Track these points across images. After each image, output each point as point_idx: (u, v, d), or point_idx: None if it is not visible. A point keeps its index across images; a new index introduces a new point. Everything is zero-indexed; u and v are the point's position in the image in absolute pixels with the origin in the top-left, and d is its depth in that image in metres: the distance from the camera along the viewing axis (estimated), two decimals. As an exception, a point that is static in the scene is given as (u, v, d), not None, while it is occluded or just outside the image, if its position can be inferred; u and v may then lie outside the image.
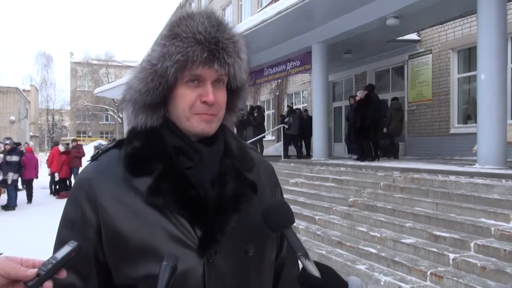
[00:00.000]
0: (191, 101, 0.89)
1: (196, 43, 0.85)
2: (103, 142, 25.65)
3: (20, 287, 0.73)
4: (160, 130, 0.93)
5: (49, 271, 0.73)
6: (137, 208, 0.87)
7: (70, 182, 14.42)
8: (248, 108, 15.80)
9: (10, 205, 11.48)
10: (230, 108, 1.00)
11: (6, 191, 11.60)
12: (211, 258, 0.86)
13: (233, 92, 0.98)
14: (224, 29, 0.90)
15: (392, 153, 11.31)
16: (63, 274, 0.75)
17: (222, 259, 0.87)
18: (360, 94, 10.37)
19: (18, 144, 14.16)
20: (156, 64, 0.88)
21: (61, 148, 14.41)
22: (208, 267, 0.86)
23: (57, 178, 14.41)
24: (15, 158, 11.66)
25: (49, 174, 14.88)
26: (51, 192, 14.78)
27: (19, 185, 13.26)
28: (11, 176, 11.40)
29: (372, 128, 9.85)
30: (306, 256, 0.83)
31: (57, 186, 14.63)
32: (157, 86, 0.88)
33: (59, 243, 0.89)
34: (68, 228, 0.90)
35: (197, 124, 0.91)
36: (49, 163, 14.45)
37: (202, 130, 0.91)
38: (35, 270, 0.73)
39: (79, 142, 17.16)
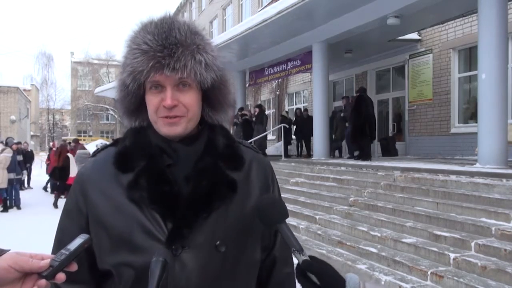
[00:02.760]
0: (155, 106, 0.95)
1: (142, 54, 0.91)
2: (104, 141, 25.63)
3: (32, 280, 0.75)
4: (147, 130, 1.01)
5: (63, 261, 0.76)
6: (118, 201, 0.94)
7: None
8: (250, 107, 15.82)
9: (16, 205, 11.53)
10: (213, 106, 1.03)
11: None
12: (177, 252, 0.90)
13: (211, 91, 0.99)
14: (174, 34, 0.92)
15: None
16: (74, 267, 0.78)
17: (189, 254, 0.91)
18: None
19: (19, 143, 14.34)
20: (121, 76, 0.98)
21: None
22: (172, 260, 0.89)
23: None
24: (21, 157, 11.97)
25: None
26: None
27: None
28: (25, 174, 11.60)
29: (367, 128, 9.85)
30: (301, 251, 0.83)
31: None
32: (125, 95, 0.98)
33: (59, 230, 1.02)
34: (66, 217, 1.02)
35: (161, 128, 0.96)
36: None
37: (166, 132, 0.96)
38: (47, 261, 0.75)
39: (79, 142, 17.11)
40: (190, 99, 0.95)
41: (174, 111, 0.94)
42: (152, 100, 0.95)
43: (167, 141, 0.98)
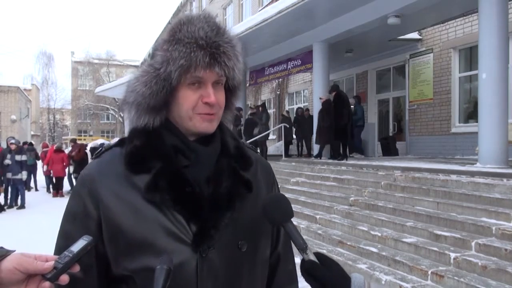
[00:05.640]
0: (194, 102, 0.93)
1: (198, 48, 0.89)
2: (104, 141, 25.61)
3: (36, 282, 0.75)
4: (160, 130, 0.97)
5: (67, 263, 0.76)
6: (135, 204, 0.91)
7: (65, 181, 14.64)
8: (253, 106, 15.83)
9: (22, 204, 11.53)
10: (227, 106, 1.03)
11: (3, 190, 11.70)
12: (204, 252, 0.90)
13: (230, 92, 1.02)
14: (223, 33, 0.93)
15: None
16: (76, 268, 0.78)
17: (215, 254, 0.91)
18: (324, 96, 10.45)
19: (25, 143, 14.71)
20: (159, 68, 0.91)
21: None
22: (201, 261, 0.90)
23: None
24: (24, 157, 11.83)
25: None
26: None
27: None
28: (24, 174, 11.57)
29: (348, 127, 9.87)
30: (304, 250, 0.84)
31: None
32: (160, 89, 0.92)
33: (61, 236, 0.95)
34: (70, 221, 0.95)
35: (199, 124, 0.95)
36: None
37: (204, 129, 0.95)
38: (52, 263, 0.75)
39: (78, 141, 17.25)
40: (223, 98, 0.97)
41: (213, 109, 0.94)
42: (191, 96, 0.93)
43: (185, 141, 0.96)
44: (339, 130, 9.87)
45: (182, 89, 0.93)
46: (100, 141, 20.44)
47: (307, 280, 0.83)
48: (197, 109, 0.94)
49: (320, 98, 10.71)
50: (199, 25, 0.91)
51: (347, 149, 10.41)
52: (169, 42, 0.92)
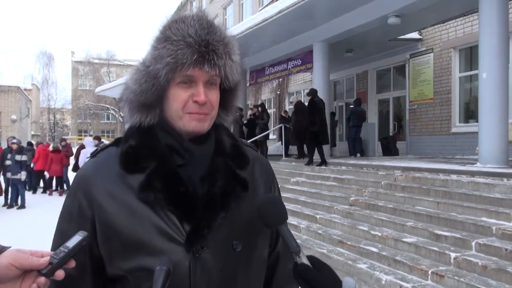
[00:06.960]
0: (184, 101, 0.93)
1: (186, 46, 0.88)
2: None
3: (32, 277, 0.75)
4: (155, 129, 0.97)
5: (62, 259, 0.76)
6: (130, 204, 0.91)
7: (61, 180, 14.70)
8: (252, 107, 15.87)
9: (22, 204, 11.51)
10: (226, 107, 1.03)
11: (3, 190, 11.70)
12: (198, 252, 0.89)
13: (228, 92, 1.01)
14: (215, 31, 0.92)
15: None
16: (72, 263, 0.78)
17: (209, 254, 0.90)
18: (294, 99, 10.52)
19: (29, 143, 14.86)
20: (149, 66, 0.92)
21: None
22: (194, 261, 0.89)
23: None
24: (24, 157, 11.82)
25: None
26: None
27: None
28: (23, 174, 11.54)
29: (320, 132, 9.85)
30: (297, 253, 0.84)
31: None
32: (150, 87, 0.92)
33: (58, 234, 0.96)
34: (66, 220, 0.96)
35: (188, 123, 0.94)
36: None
37: (194, 128, 0.94)
38: (47, 259, 0.75)
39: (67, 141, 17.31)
40: (216, 98, 0.96)
41: (203, 108, 0.93)
42: (181, 95, 0.92)
43: (179, 140, 0.96)
44: (311, 133, 9.88)
45: (173, 88, 0.93)
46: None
47: (299, 283, 0.83)
48: (187, 108, 0.93)
49: (291, 102, 10.76)
50: (190, 24, 0.91)
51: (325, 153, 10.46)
52: (159, 40, 0.92)
